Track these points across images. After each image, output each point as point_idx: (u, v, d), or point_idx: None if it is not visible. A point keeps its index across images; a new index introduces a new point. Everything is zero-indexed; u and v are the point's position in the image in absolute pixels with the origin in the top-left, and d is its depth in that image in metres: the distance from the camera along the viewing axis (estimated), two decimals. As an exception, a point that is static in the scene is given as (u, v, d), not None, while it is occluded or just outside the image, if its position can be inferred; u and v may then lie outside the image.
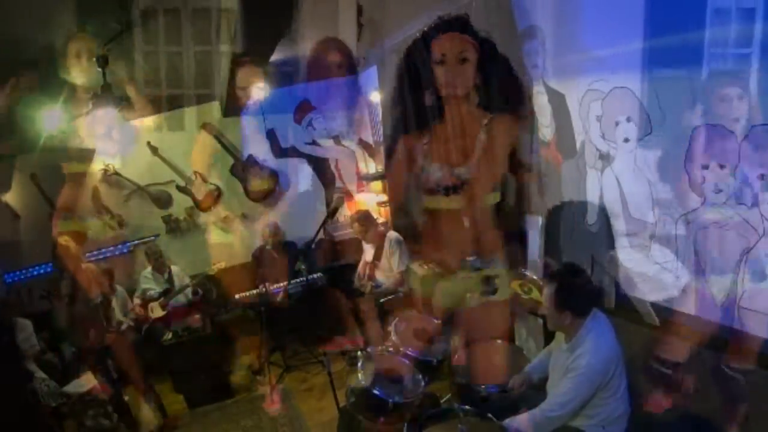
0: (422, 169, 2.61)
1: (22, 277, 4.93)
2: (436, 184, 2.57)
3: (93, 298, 4.13)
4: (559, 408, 2.25)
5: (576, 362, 2.26)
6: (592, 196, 2.89)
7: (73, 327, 4.23)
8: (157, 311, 4.87)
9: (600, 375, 2.24)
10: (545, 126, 3.17)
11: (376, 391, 2.57)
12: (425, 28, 2.47)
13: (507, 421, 2.31)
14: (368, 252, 4.75)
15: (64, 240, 4.09)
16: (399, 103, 2.58)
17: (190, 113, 5.41)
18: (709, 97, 2.15)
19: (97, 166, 5.24)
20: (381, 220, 5.40)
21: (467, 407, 2.53)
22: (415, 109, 2.51)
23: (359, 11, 3.26)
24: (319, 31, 4.40)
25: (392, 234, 4.60)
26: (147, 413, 4.14)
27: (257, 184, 5.71)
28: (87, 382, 4.03)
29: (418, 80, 2.48)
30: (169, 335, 4.47)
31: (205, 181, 5.62)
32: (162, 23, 3.75)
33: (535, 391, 2.57)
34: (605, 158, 2.75)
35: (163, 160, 5.46)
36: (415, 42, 2.48)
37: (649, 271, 2.60)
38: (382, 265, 4.63)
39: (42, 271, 4.99)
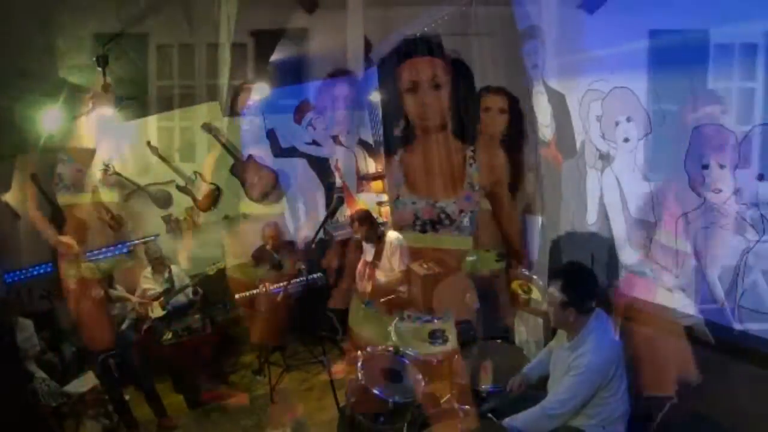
0: (396, 199, 2.46)
1: (22, 277, 4.92)
2: (414, 216, 2.44)
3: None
4: (559, 406, 2.25)
5: (577, 361, 2.26)
6: (592, 196, 2.89)
7: (76, 327, 4.23)
8: (157, 311, 4.87)
9: (601, 374, 2.24)
10: (545, 126, 3.17)
11: (376, 391, 2.57)
12: (386, 53, 2.30)
13: (507, 420, 2.31)
14: (368, 252, 4.74)
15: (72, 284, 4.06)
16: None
17: (190, 113, 5.41)
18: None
19: (97, 166, 5.23)
20: (381, 220, 5.40)
21: (467, 407, 2.53)
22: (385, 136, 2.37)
23: (368, 46, 3.23)
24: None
25: (392, 234, 4.59)
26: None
27: (257, 184, 5.71)
28: (87, 382, 4.04)
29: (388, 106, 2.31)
30: (169, 335, 4.47)
31: (205, 181, 5.62)
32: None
33: (535, 391, 2.57)
34: (605, 158, 2.75)
35: (163, 160, 5.46)
36: (381, 66, 2.32)
37: (649, 271, 2.60)
38: (383, 265, 4.62)
39: (42, 271, 4.98)
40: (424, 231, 2.35)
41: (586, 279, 2.38)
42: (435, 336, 2.93)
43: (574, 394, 2.24)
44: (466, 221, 2.24)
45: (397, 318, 3.33)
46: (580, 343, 2.30)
